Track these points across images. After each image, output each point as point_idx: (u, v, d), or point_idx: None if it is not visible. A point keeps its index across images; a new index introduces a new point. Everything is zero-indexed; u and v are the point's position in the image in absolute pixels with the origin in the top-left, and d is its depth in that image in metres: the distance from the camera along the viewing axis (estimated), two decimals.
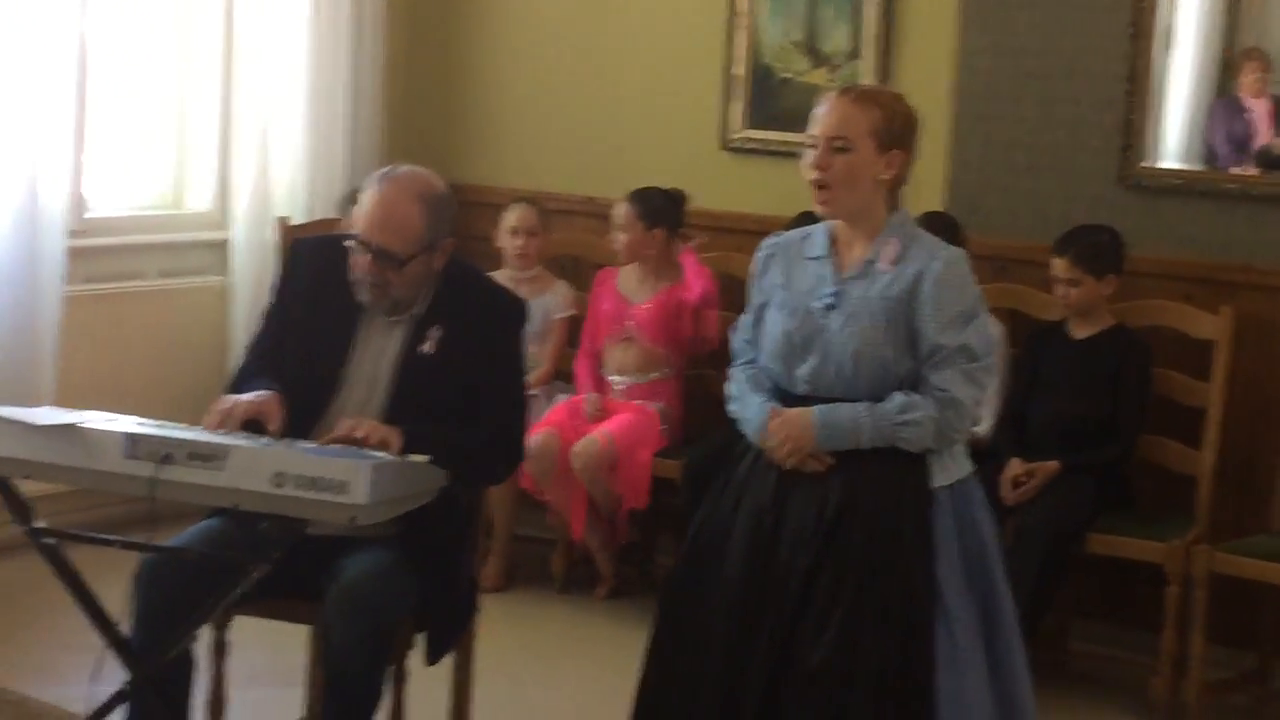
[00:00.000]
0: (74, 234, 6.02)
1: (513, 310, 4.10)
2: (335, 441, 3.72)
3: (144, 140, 6.53)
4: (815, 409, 3.72)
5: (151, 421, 3.73)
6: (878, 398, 3.70)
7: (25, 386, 5.68)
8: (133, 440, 3.54)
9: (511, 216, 6.20)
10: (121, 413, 4.23)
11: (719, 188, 6.27)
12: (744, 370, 3.93)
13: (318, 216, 6.43)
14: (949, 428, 3.68)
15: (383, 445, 3.71)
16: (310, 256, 4.11)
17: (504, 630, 5.54)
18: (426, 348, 3.95)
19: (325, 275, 4.01)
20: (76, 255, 6.02)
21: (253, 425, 3.79)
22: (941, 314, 3.68)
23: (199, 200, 6.58)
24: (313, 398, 3.92)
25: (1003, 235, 5.83)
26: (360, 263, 3.92)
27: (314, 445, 3.66)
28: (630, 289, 6.05)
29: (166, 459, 3.51)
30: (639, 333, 5.98)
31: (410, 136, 6.98)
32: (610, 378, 6.06)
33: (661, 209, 5.97)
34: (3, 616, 5.33)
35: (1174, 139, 5.82)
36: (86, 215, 6.17)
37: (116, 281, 6.26)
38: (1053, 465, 5.19)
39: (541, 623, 5.76)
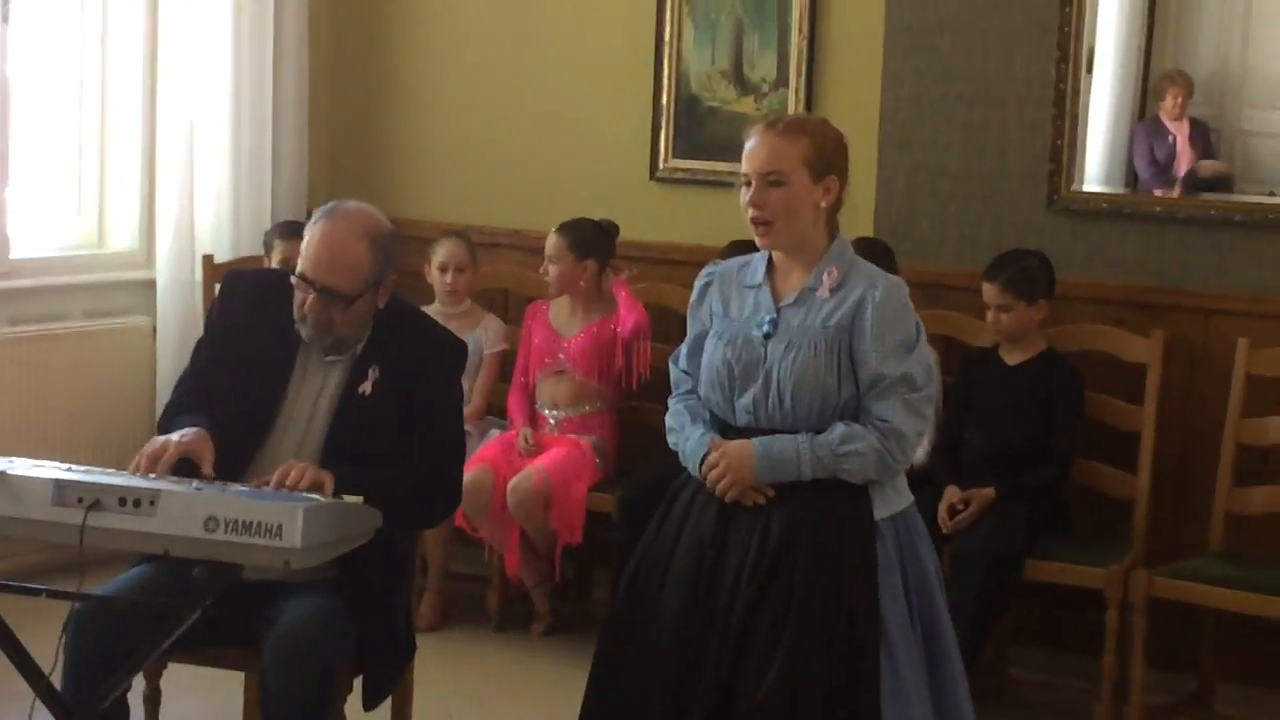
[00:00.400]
0: None
1: (452, 352, 4.05)
2: (266, 485, 3.65)
3: (65, 178, 6.44)
4: (755, 440, 3.69)
5: (80, 467, 3.66)
6: (819, 428, 3.67)
7: None
8: (60, 487, 3.46)
9: (440, 252, 6.14)
10: (47, 458, 4.17)
11: (648, 218, 6.24)
12: (683, 401, 3.89)
13: (243, 254, 6.35)
14: (891, 459, 3.65)
15: (314, 487, 3.65)
16: (246, 290, 4.04)
17: (440, 669, 5.49)
18: (364, 388, 3.90)
19: (261, 310, 3.95)
20: None
21: (184, 465, 3.72)
22: (883, 343, 3.66)
23: (122, 239, 6.49)
24: (246, 436, 3.86)
25: (933, 261, 5.82)
26: (304, 301, 3.85)
27: (247, 488, 3.60)
28: (561, 322, 6.00)
29: (95, 505, 3.43)
30: (571, 366, 5.94)
31: (336, 170, 6.93)
32: (544, 412, 6.01)
33: (592, 240, 5.93)
34: None
35: (1095, 162, 5.84)
36: (10, 256, 6.06)
37: (39, 323, 6.15)
38: (989, 492, 5.17)
39: (478, 661, 5.69)
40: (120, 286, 6.42)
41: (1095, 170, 5.83)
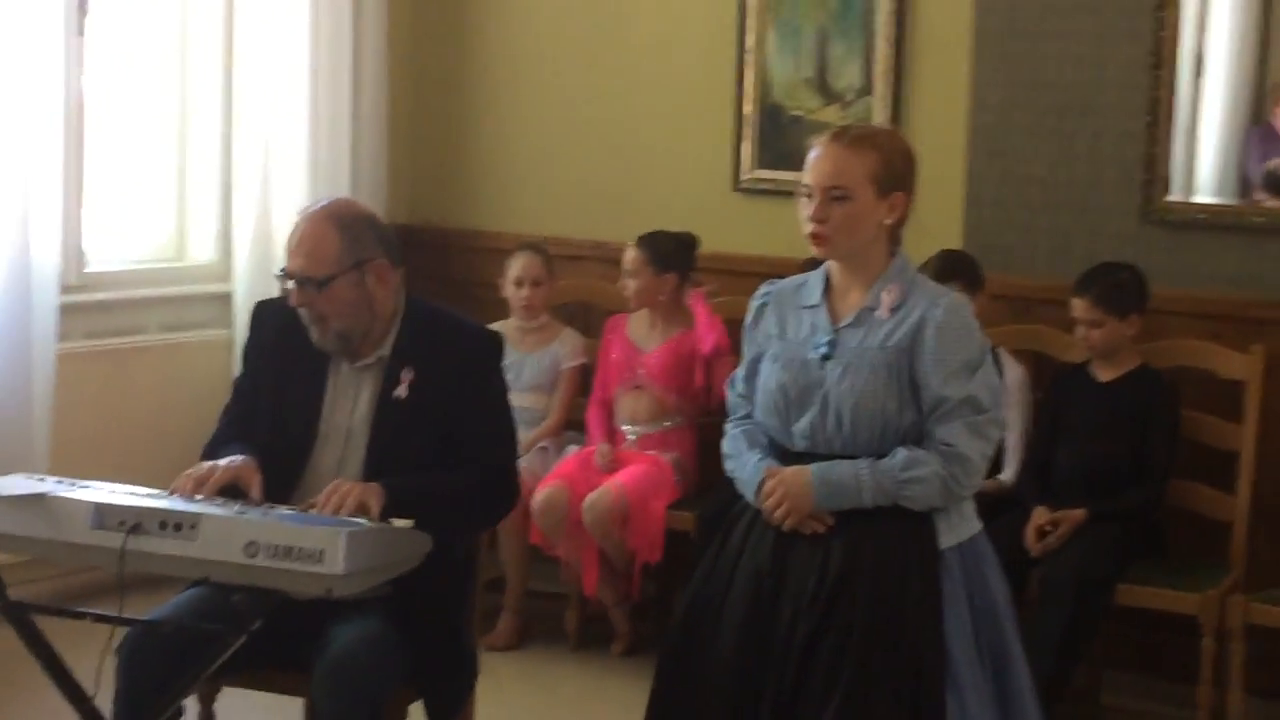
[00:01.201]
0: (72, 289, 5.90)
1: (486, 344, 3.95)
2: (314, 508, 3.57)
3: (144, 192, 6.40)
4: (813, 467, 3.55)
5: (127, 488, 3.60)
6: (880, 453, 3.52)
7: (18, 447, 5.54)
8: (100, 510, 3.39)
9: (516, 266, 6.03)
10: (123, 471, 4.14)
11: (730, 230, 6.11)
12: (739, 426, 3.76)
13: None
14: (956, 485, 3.50)
15: (361, 509, 3.56)
16: (272, 318, 3.99)
17: (516, 690, 5.41)
18: (399, 392, 3.82)
19: (288, 334, 3.89)
20: (74, 311, 5.89)
21: (230, 491, 3.66)
22: (945, 364, 3.51)
23: (201, 252, 6.44)
24: (289, 457, 3.80)
25: (1023, 274, 5.66)
26: (291, 297, 3.82)
27: (291, 512, 3.50)
28: (640, 336, 5.88)
29: (135, 529, 3.36)
30: (649, 381, 5.81)
31: (416, 182, 6.86)
32: (622, 427, 5.89)
33: (672, 253, 5.80)
34: None
35: (1207, 170, 5.63)
36: (86, 270, 6.03)
37: (117, 337, 6.11)
38: (1079, 513, 4.99)
39: (555, 682, 5.57)
40: (198, 300, 6.37)
41: (1206, 179, 5.61)
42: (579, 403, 6.05)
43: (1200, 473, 5.24)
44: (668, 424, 5.82)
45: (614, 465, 5.71)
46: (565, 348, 6.05)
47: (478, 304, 6.39)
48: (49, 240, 5.69)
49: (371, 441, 3.81)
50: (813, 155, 3.61)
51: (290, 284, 3.81)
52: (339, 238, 3.78)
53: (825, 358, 3.58)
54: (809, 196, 3.58)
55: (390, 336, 3.87)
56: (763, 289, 3.80)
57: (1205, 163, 5.63)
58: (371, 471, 3.74)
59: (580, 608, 5.84)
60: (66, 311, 5.79)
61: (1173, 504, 5.20)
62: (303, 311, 3.82)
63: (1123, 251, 5.44)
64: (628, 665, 5.69)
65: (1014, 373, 5.36)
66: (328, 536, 3.26)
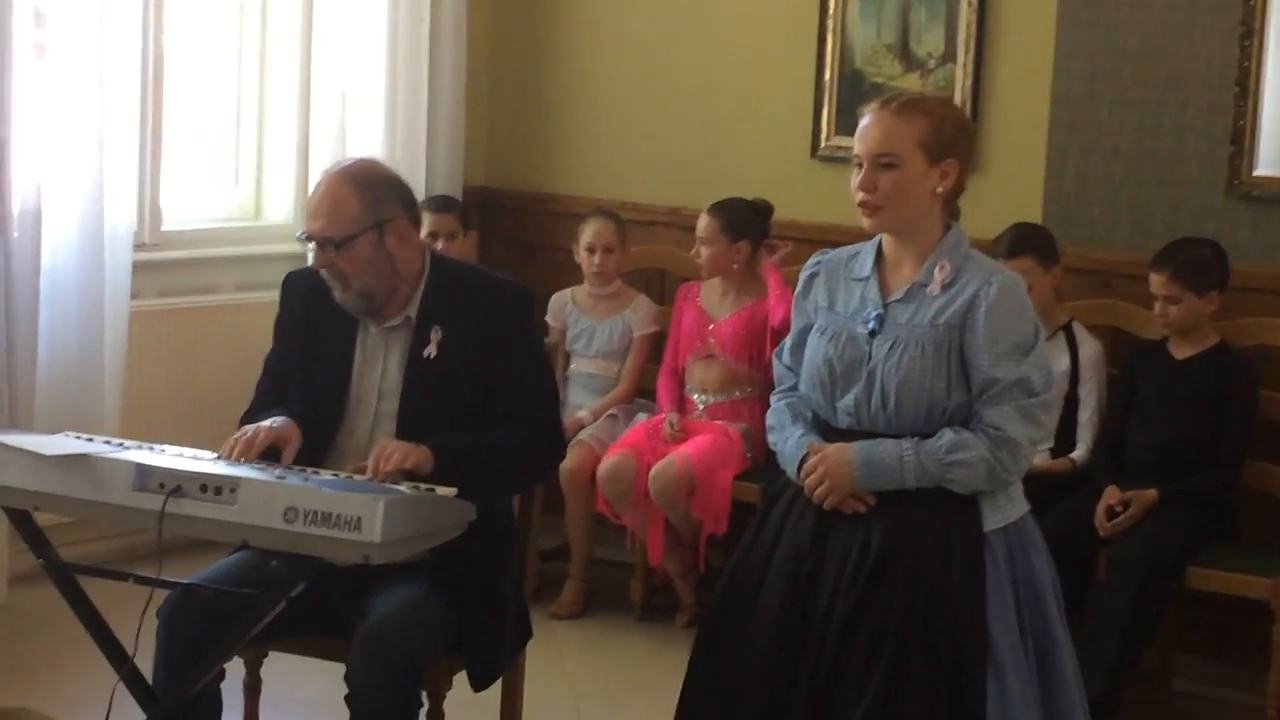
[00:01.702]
0: (147, 247, 5.92)
1: (516, 298, 3.89)
2: (360, 473, 3.56)
3: (222, 151, 6.40)
4: (856, 446, 3.46)
5: (176, 450, 3.60)
6: (925, 433, 3.43)
7: (90, 405, 5.57)
8: (142, 471, 3.38)
9: (588, 232, 5.97)
10: (195, 430, 4.14)
11: (808, 197, 6.03)
12: (784, 399, 3.69)
13: None
14: (1002, 469, 3.41)
15: (416, 468, 3.54)
16: (301, 288, 3.97)
17: (577, 659, 5.38)
18: (429, 351, 3.79)
19: (317, 304, 3.88)
20: (150, 269, 5.91)
21: (272, 453, 3.67)
22: (997, 344, 3.41)
23: (277, 212, 6.44)
24: (322, 422, 3.78)
25: (1103, 248, 5.54)
26: (315, 259, 3.80)
27: (331, 477, 3.48)
28: (712, 304, 5.82)
29: (176, 491, 3.35)
30: (721, 350, 5.75)
31: (493, 144, 6.83)
32: (692, 396, 5.83)
33: (746, 221, 5.73)
34: (28, 645, 5.17)
35: None
36: (163, 228, 6.04)
37: (191, 295, 6.12)
38: (1151, 494, 4.89)
39: (618, 651, 5.53)
40: (273, 260, 6.33)
41: None
42: (650, 371, 6.00)
43: (1278, 455, 5.11)
44: (738, 394, 5.76)
45: (682, 435, 5.66)
46: (638, 315, 6.00)
47: (553, 268, 6.37)
48: (125, 198, 5.71)
49: (403, 402, 3.79)
50: (862, 123, 3.52)
51: (312, 245, 3.80)
52: (358, 198, 3.75)
53: (873, 333, 3.50)
54: (860, 166, 3.49)
55: (417, 296, 3.84)
56: (814, 258, 3.71)
57: None
58: (405, 432, 3.71)
59: (645, 578, 5.79)
60: (141, 269, 5.80)
61: (1247, 486, 5.09)
62: (325, 273, 3.80)
63: (1206, 226, 5.32)
64: (692, 637, 5.56)
65: (1090, 348, 5.25)
66: (366, 504, 3.23)
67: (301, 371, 3.89)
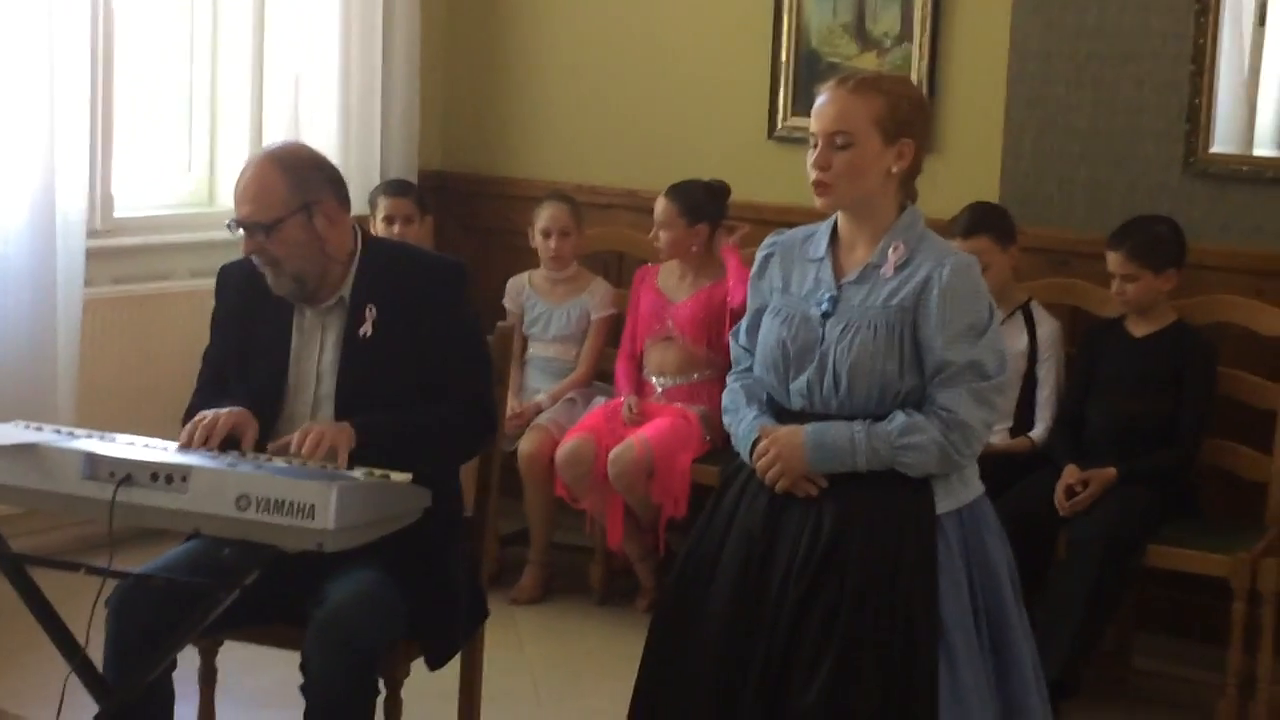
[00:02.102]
0: (99, 234, 5.85)
1: (448, 273, 3.88)
2: (278, 454, 3.55)
3: (174, 136, 6.34)
4: (807, 428, 3.43)
5: (128, 439, 3.55)
6: (878, 416, 3.41)
7: (44, 394, 5.51)
8: (91, 460, 3.35)
9: (543, 216, 5.94)
10: (151, 418, 4.09)
11: (765, 178, 6.00)
12: (740, 380, 3.66)
13: (353, 213, 6.18)
14: (954, 452, 3.38)
15: (338, 447, 3.53)
16: (235, 279, 3.95)
17: (538, 643, 5.36)
18: (365, 330, 3.78)
19: (251, 293, 3.87)
20: (103, 256, 5.84)
21: (232, 441, 3.63)
22: (950, 326, 3.38)
23: (231, 197, 6.32)
24: (263, 410, 3.74)
25: (1060, 226, 5.54)
26: (244, 246, 3.78)
27: (285, 464, 3.44)
28: (670, 286, 5.79)
29: (126, 480, 3.31)
30: (679, 332, 5.73)
31: (448, 127, 6.79)
32: (651, 379, 5.81)
33: (703, 203, 5.70)
34: None
35: (1267, 123, 5.47)
36: (115, 215, 5.98)
37: (144, 282, 6.06)
38: (1110, 472, 4.88)
39: (578, 635, 5.51)
40: (228, 246, 6.20)
41: (1266, 132, 5.45)
42: (608, 354, 5.97)
43: (1237, 432, 5.12)
44: (696, 376, 5.74)
45: (640, 418, 5.63)
46: (595, 298, 5.97)
47: (510, 252, 6.34)
48: (76, 184, 5.64)
49: (340, 382, 3.78)
50: (819, 101, 3.49)
51: (240, 232, 3.78)
52: (283, 180, 3.74)
53: (826, 315, 3.47)
54: (814, 145, 3.47)
55: (349, 277, 3.82)
56: (769, 239, 3.69)
57: (1266, 115, 5.47)
58: (343, 412, 3.71)
59: (605, 562, 5.77)
60: (93, 256, 5.74)
61: (1208, 463, 5.10)
62: (256, 259, 3.78)
63: (1163, 204, 5.32)
64: None
65: (1048, 327, 5.25)
66: (319, 491, 3.20)
67: (240, 362, 3.88)
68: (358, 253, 3.84)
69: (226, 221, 3.85)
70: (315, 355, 3.82)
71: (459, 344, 3.82)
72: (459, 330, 3.83)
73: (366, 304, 3.79)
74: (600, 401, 5.81)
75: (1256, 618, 4.76)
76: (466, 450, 3.93)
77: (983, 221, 5.16)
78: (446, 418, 3.75)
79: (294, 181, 3.74)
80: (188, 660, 3.86)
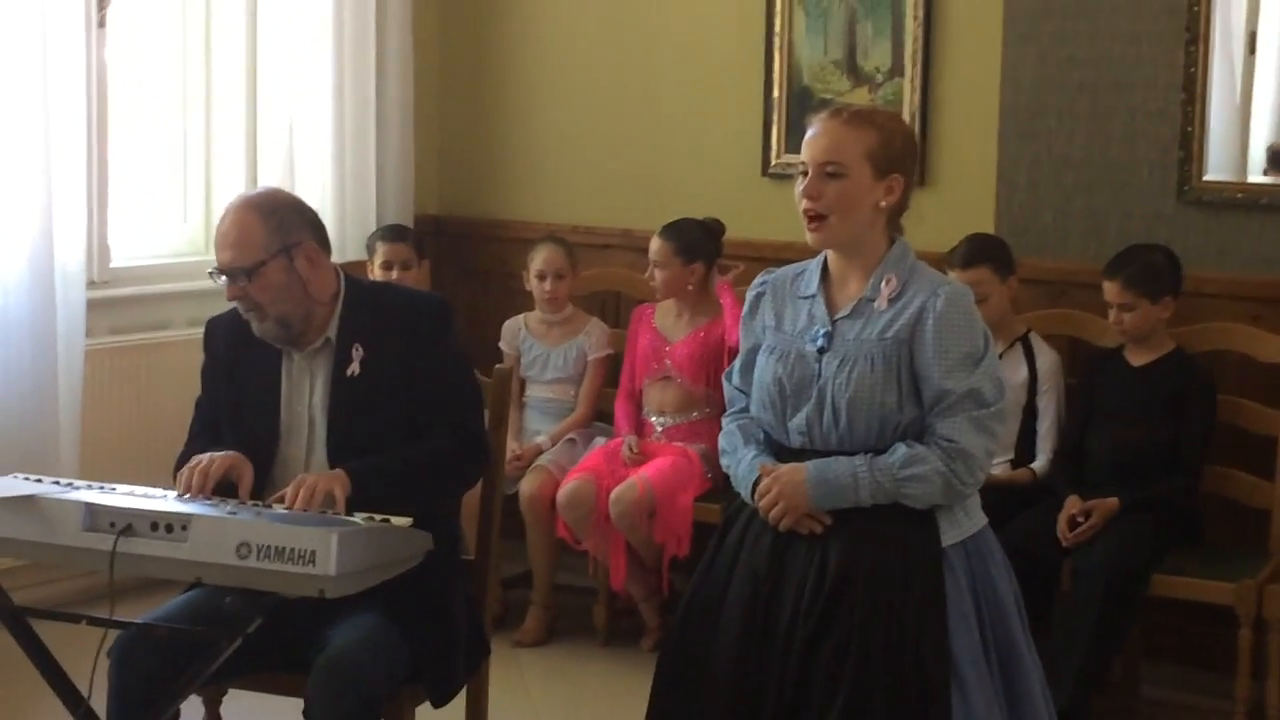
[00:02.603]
0: (97, 285, 5.86)
1: (433, 310, 3.91)
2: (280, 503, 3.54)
3: (170, 186, 6.35)
4: (809, 465, 3.43)
5: (128, 488, 3.55)
6: (879, 449, 3.41)
7: (46, 445, 5.51)
8: (91, 511, 3.35)
9: (538, 259, 5.94)
10: (149, 468, 4.11)
11: (760, 216, 6.00)
12: (735, 420, 3.66)
13: (349, 258, 6.20)
14: (958, 481, 3.38)
15: (328, 499, 3.53)
16: (223, 331, 3.98)
17: (543, 685, 5.35)
18: (352, 370, 3.80)
19: (239, 343, 3.89)
20: (100, 306, 5.84)
21: (228, 486, 3.65)
22: (947, 356, 3.39)
23: None
24: (256, 455, 3.76)
25: (1056, 257, 5.54)
26: (227, 292, 3.80)
27: (284, 511, 3.44)
28: (668, 325, 5.79)
29: (127, 530, 3.31)
30: (677, 371, 5.72)
31: (443, 172, 6.80)
32: (650, 418, 5.80)
33: (698, 242, 5.71)
34: None
35: (1259, 150, 5.48)
36: (111, 265, 5.98)
37: (142, 333, 6.06)
38: (1112, 502, 4.87)
39: (584, 677, 5.49)
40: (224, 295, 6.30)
41: (1259, 158, 5.47)
42: (607, 394, 5.97)
43: (1238, 459, 5.11)
44: (696, 415, 5.73)
45: (641, 458, 5.63)
46: (591, 339, 5.97)
47: (508, 294, 6.35)
48: (74, 235, 5.64)
49: (331, 423, 3.79)
50: (810, 132, 3.49)
51: (223, 279, 3.79)
52: (262, 224, 3.76)
53: (822, 350, 3.47)
54: (805, 175, 3.47)
55: (334, 318, 3.84)
56: (759, 278, 3.69)
57: (1258, 142, 5.48)
58: (335, 453, 3.73)
59: (609, 602, 5.75)
60: (92, 307, 5.74)
61: (1210, 491, 5.08)
62: (240, 305, 3.80)
63: (1159, 233, 5.32)
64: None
65: (1047, 358, 5.24)
66: (320, 537, 3.20)
67: (233, 411, 3.89)
68: (341, 294, 3.86)
69: (208, 270, 3.86)
70: (306, 398, 3.84)
71: (447, 377, 3.84)
72: (446, 364, 3.85)
73: (353, 344, 3.81)
74: (600, 442, 5.81)
75: (1263, 645, 4.76)
76: (462, 482, 3.94)
77: (982, 252, 5.16)
78: (439, 451, 3.76)
79: (273, 225, 3.76)
80: (192, 709, 3.85)
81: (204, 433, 3.94)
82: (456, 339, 3.92)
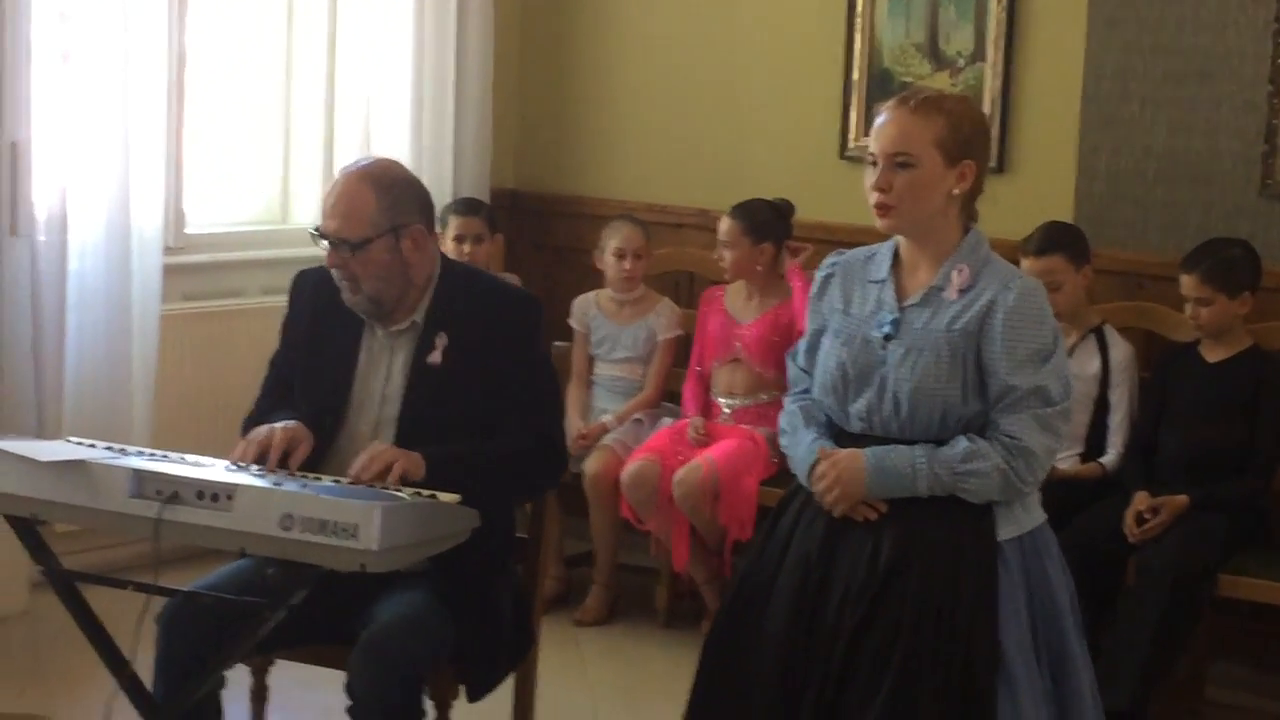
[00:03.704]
0: (172, 251, 5.88)
1: (524, 307, 3.83)
2: (354, 481, 3.49)
3: (248, 153, 6.37)
4: (868, 452, 3.37)
5: (177, 455, 3.54)
6: (939, 440, 3.35)
7: (121, 411, 5.55)
8: (138, 478, 3.33)
9: (617, 237, 5.90)
10: (221, 435, 4.15)
11: (837, 198, 5.93)
12: (798, 401, 3.60)
13: None
14: (1018, 479, 3.31)
15: (405, 477, 3.47)
16: (310, 288, 3.90)
17: (601, 665, 5.33)
18: (434, 358, 3.73)
19: (325, 303, 3.81)
20: (174, 273, 5.86)
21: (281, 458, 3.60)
22: (1014, 352, 3.32)
23: (304, 214, 6.39)
24: (322, 425, 3.71)
25: (1135, 249, 5.45)
26: (327, 259, 3.72)
27: (330, 483, 3.43)
28: (738, 308, 5.74)
29: (172, 498, 3.30)
30: (746, 354, 5.68)
31: (520, 147, 6.78)
32: (718, 400, 5.76)
33: (768, 222, 5.66)
34: (46, 651, 5.15)
35: None
36: (186, 231, 6.01)
37: (216, 299, 6.08)
38: (1181, 500, 4.79)
39: (644, 658, 5.46)
40: (300, 263, 6.22)
41: None
42: (676, 374, 5.93)
43: None
44: (764, 398, 5.68)
45: (706, 439, 5.59)
46: (662, 319, 5.93)
47: (580, 271, 6.32)
48: (151, 202, 5.67)
49: (404, 407, 3.72)
50: (879, 121, 3.43)
51: (325, 244, 3.72)
52: (376, 200, 3.68)
53: (888, 337, 3.41)
54: (874, 165, 3.41)
55: (425, 302, 3.77)
56: (829, 259, 3.63)
57: None
58: (404, 438, 3.65)
59: (670, 584, 5.72)
60: (167, 274, 5.76)
61: None
62: (335, 272, 3.72)
63: (1239, 227, 5.23)
64: None
65: (1121, 351, 5.16)
66: (363, 511, 3.17)
67: (305, 371, 3.83)
68: (435, 277, 3.79)
69: (310, 229, 3.78)
70: (382, 377, 3.78)
71: (530, 380, 3.75)
72: (530, 366, 3.77)
73: (438, 331, 3.74)
74: (667, 422, 5.78)
75: None
76: (532, 489, 3.90)
77: (1057, 240, 5.08)
78: (516, 455, 3.68)
79: (386, 203, 3.68)
80: (240, 678, 3.86)
81: (276, 389, 3.88)
82: (544, 341, 3.85)
